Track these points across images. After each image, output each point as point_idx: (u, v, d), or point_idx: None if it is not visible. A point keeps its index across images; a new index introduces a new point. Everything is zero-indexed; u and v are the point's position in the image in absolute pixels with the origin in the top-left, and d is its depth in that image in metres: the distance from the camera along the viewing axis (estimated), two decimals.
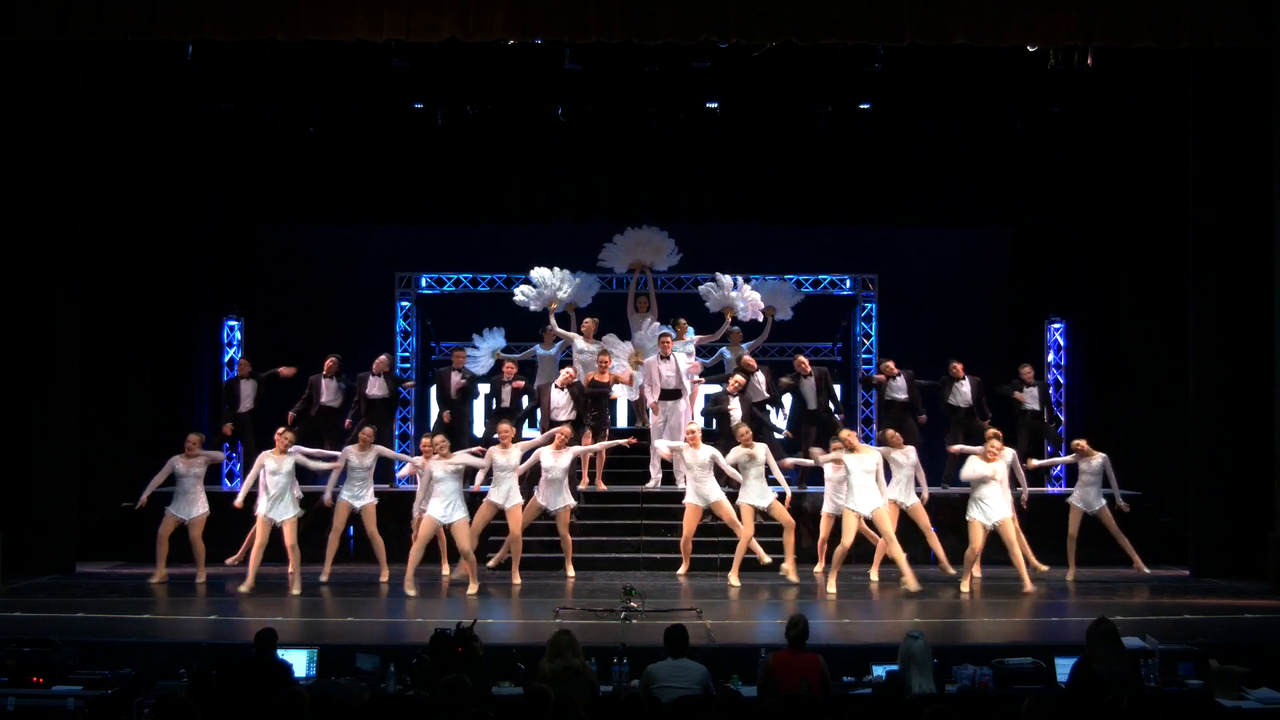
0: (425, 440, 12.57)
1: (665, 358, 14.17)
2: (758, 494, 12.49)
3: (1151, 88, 14.51)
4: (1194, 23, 12.19)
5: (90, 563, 13.43)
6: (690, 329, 14.98)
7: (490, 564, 12.92)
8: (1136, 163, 15.29)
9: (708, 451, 12.59)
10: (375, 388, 14.52)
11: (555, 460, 12.46)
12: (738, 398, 13.88)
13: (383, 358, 14.70)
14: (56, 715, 7.85)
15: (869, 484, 11.98)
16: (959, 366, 14.76)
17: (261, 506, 12.15)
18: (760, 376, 14.28)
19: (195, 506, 12.43)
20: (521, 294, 15.06)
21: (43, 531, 12.84)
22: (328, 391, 14.59)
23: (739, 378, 14.09)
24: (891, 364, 14.82)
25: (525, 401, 14.62)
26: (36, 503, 12.85)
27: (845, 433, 12.41)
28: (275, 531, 12.16)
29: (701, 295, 15.06)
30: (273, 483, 12.10)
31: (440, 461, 11.99)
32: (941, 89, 15.12)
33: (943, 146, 16.42)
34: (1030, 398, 14.93)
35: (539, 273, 14.96)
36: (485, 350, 15.24)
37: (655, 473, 14.21)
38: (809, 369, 14.54)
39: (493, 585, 12.39)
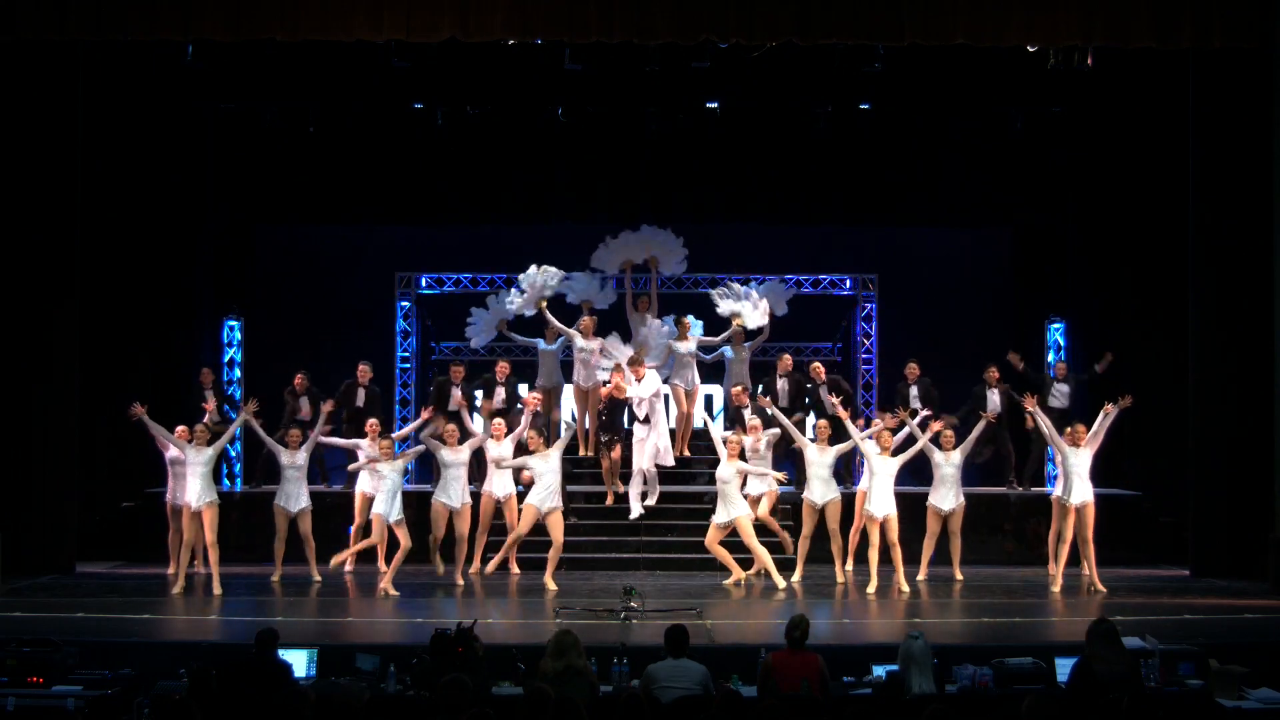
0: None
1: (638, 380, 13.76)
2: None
3: (1151, 88, 14.51)
4: (1194, 23, 12.20)
5: (90, 563, 13.43)
6: (699, 323, 14.88)
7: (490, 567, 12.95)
8: (1136, 163, 15.29)
9: (731, 467, 12.45)
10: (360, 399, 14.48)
11: (499, 449, 12.68)
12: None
13: (362, 367, 14.55)
14: (56, 715, 7.85)
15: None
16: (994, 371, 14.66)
17: (283, 499, 12.58)
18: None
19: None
20: (509, 303, 14.79)
21: (43, 531, 12.85)
22: (302, 408, 14.49)
23: (741, 389, 14.07)
24: (914, 366, 14.70)
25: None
26: (36, 503, 12.86)
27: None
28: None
29: (713, 299, 14.87)
30: (289, 477, 12.55)
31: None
32: (941, 89, 15.12)
33: (943, 146, 16.40)
34: (1060, 395, 14.78)
35: (525, 275, 14.77)
36: (490, 317, 15.01)
37: (636, 505, 13.63)
38: (823, 376, 14.52)
39: (493, 584, 12.41)
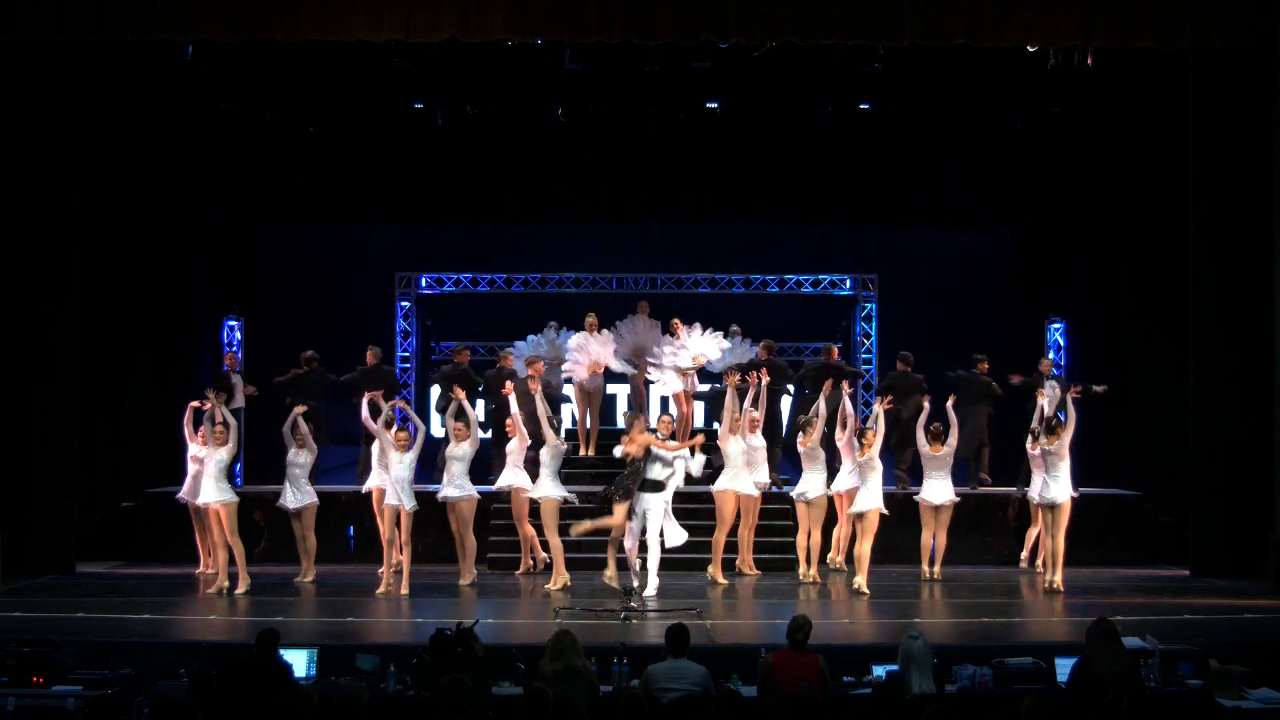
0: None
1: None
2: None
3: (1151, 88, 14.51)
4: (1194, 23, 12.19)
5: (90, 563, 13.42)
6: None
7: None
8: (1136, 163, 15.29)
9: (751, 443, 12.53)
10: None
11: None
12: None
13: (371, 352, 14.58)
14: (56, 715, 7.84)
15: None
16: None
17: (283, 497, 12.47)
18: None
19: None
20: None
21: (43, 531, 12.84)
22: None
23: (733, 374, 14.05)
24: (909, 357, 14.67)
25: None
26: (36, 503, 12.84)
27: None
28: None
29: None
30: (293, 475, 12.34)
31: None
32: (941, 89, 15.12)
33: (943, 146, 16.40)
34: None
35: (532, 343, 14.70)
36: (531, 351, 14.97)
37: (653, 582, 11.76)
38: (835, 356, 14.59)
39: (493, 584, 12.42)
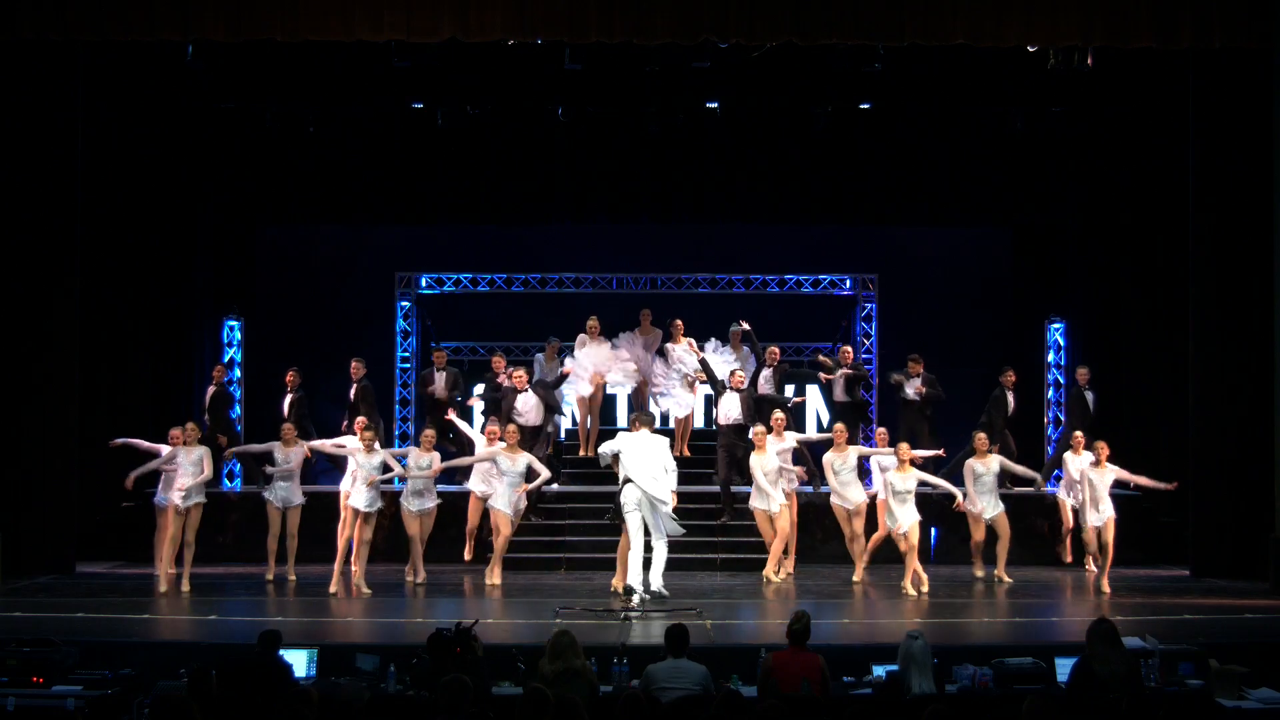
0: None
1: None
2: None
3: (1151, 88, 14.50)
4: (1194, 23, 12.21)
5: (90, 563, 13.44)
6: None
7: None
8: (1136, 162, 15.28)
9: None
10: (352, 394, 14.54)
11: (512, 465, 12.39)
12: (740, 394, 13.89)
13: (355, 364, 14.70)
14: (56, 715, 7.85)
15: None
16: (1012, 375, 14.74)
17: (272, 494, 12.75)
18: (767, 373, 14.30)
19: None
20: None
21: (43, 531, 12.85)
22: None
23: (740, 375, 14.05)
24: (917, 364, 14.62)
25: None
26: (36, 503, 12.85)
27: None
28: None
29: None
30: (282, 474, 12.66)
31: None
32: (941, 89, 15.11)
33: (943, 146, 16.36)
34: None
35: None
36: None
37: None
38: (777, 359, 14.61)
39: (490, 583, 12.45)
